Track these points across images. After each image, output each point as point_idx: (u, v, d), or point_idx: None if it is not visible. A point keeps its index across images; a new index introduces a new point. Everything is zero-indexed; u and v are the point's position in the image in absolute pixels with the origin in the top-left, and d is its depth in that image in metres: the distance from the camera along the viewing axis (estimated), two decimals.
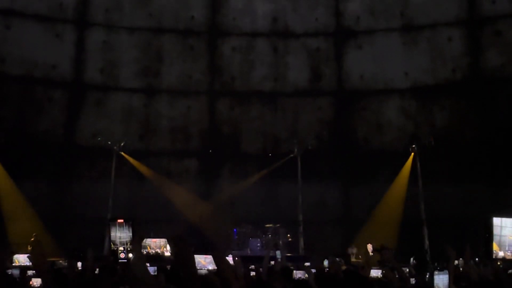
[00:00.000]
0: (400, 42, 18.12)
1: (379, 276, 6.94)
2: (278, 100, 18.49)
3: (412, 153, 15.92)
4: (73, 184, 16.86)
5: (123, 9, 18.30)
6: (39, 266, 3.67)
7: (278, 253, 12.31)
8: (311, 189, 16.64)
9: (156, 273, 6.76)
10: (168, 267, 7.63)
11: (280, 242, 14.93)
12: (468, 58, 17.43)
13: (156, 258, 12.46)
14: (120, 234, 12.97)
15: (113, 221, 13.17)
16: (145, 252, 12.62)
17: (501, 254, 11.25)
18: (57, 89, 17.52)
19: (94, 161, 17.00)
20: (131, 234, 12.80)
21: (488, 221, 11.38)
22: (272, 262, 7.33)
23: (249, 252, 14.58)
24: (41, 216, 15.07)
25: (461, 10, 17.64)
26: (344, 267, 6.45)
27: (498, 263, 10.45)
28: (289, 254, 14.10)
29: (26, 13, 17.18)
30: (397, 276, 4.87)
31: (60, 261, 11.35)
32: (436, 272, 4.39)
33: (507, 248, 11.27)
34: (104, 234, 14.73)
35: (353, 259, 14.02)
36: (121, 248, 12.85)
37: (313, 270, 5.24)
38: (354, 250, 14.77)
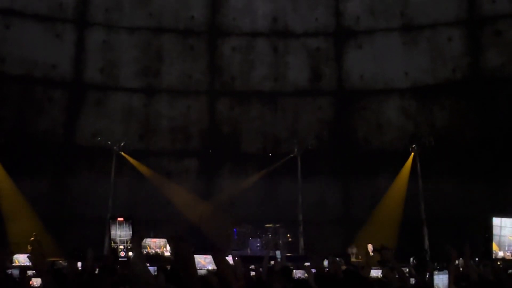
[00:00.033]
0: (400, 42, 18.12)
1: (379, 276, 6.94)
2: (278, 100, 18.48)
3: (412, 153, 15.91)
4: (73, 184, 16.85)
5: (123, 9, 18.30)
6: (39, 266, 3.67)
7: (278, 253, 12.31)
8: (311, 189, 16.64)
9: (156, 273, 6.75)
10: (168, 267, 7.62)
11: (280, 242, 14.92)
12: (468, 58, 17.43)
13: (156, 258, 12.46)
14: (120, 233, 12.99)
15: (113, 219, 13.19)
16: (145, 252, 12.62)
17: (500, 254, 11.27)
18: (57, 89, 17.51)
19: (94, 161, 16.99)
20: (131, 232, 12.81)
21: (487, 221, 11.40)
22: (272, 262, 7.33)
23: (249, 252, 14.58)
24: (41, 216, 15.07)
25: (461, 10, 17.64)
26: (344, 267, 6.45)
27: (498, 263, 10.46)
28: (289, 254, 14.09)
29: (26, 13, 17.17)
30: (396, 276, 4.87)
31: (60, 261, 11.34)
32: (435, 272, 4.40)
33: (506, 248, 11.28)
34: (104, 234, 14.74)
35: (353, 259, 14.02)
36: (121, 247, 12.87)
37: (313, 270, 5.24)
38: (354, 250, 14.77)
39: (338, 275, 5.01)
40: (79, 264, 6.34)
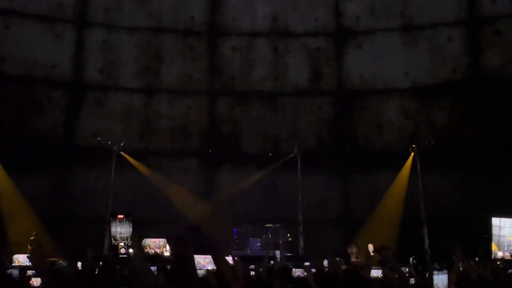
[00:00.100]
0: (400, 42, 18.11)
1: (379, 276, 6.93)
2: (278, 100, 18.48)
3: (412, 153, 15.91)
4: (73, 184, 16.85)
5: (123, 8, 18.30)
6: (38, 266, 3.67)
7: (277, 253, 12.32)
8: (311, 188, 16.64)
9: (156, 273, 6.75)
10: (168, 267, 7.63)
11: (280, 242, 14.92)
12: (468, 58, 17.43)
13: (156, 258, 12.46)
14: (121, 230, 13.00)
15: (113, 216, 13.19)
16: (144, 252, 12.61)
17: (500, 254, 11.26)
18: (57, 89, 17.51)
19: (94, 161, 16.98)
20: (131, 229, 12.83)
21: (487, 221, 11.39)
22: (272, 262, 7.33)
23: (249, 252, 14.58)
24: (41, 216, 15.06)
25: (461, 10, 17.64)
26: (344, 267, 6.45)
27: (498, 263, 10.46)
28: (289, 254, 14.09)
29: (26, 13, 17.17)
30: (396, 276, 4.87)
31: (60, 261, 11.35)
32: (435, 272, 4.40)
33: (506, 248, 11.28)
34: (104, 233, 14.75)
35: (353, 259, 14.02)
36: (122, 244, 12.88)
37: (313, 270, 5.23)
38: (354, 250, 14.77)
39: (338, 275, 5.01)
40: (79, 264, 6.35)
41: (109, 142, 15.90)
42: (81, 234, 14.70)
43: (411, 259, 11.96)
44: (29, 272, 6.80)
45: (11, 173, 15.41)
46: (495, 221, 11.32)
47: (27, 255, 10.09)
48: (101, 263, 5.64)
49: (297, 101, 18.38)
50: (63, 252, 13.20)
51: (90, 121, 17.52)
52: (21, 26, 17.08)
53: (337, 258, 9.70)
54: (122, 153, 16.16)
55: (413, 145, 15.88)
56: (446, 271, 4.34)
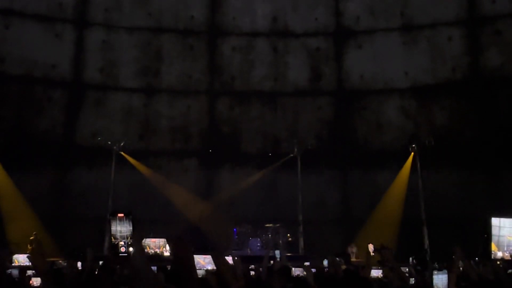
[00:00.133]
0: (400, 41, 18.11)
1: (379, 276, 6.93)
2: (278, 100, 18.48)
3: (412, 153, 15.91)
4: (73, 184, 16.85)
5: (123, 8, 18.30)
6: (38, 266, 3.67)
7: (277, 252, 12.32)
8: (311, 188, 16.64)
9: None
10: (169, 267, 7.62)
11: (280, 242, 14.92)
12: (468, 58, 17.43)
13: (156, 258, 12.45)
14: (121, 228, 13.00)
15: (113, 215, 13.19)
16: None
17: (499, 254, 11.24)
18: (57, 88, 17.51)
19: (94, 161, 16.98)
20: (131, 228, 12.82)
21: (486, 221, 11.37)
22: (272, 262, 7.33)
23: (249, 252, 14.58)
24: (41, 216, 15.06)
25: (461, 10, 17.64)
26: (344, 267, 6.45)
27: (498, 263, 10.44)
28: (289, 254, 14.09)
29: (26, 13, 17.17)
30: (396, 275, 4.86)
31: (60, 261, 11.34)
32: (435, 272, 4.38)
33: (505, 249, 11.26)
34: (104, 233, 14.75)
35: (353, 258, 14.01)
36: (122, 243, 12.87)
37: (313, 270, 5.23)
38: (354, 249, 14.76)
39: (338, 275, 5.01)
40: (79, 264, 6.34)
41: (109, 142, 15.90)
42: (81, 233, 14.69)
43: (410, 259, 11.95)
44: (29, 272, 6.79)
45: (11, 173, 15.41)
46: (494, 221, 11.29)
47: (27, 255, 10.10)
48: (100, 263, 5.64)
49: (297, 101, 18.38)
50: (63, 252, 13.18)
51: (90, 121, 17.52)
52: (21, 26, 17.08)
53: (337, 258, 9.69)
54: (122, 153, 16.16)
55: (413, 145, 15.88)
56: (446, 271, 4.33)
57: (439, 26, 17.75)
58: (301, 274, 7.46)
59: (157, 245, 13.18)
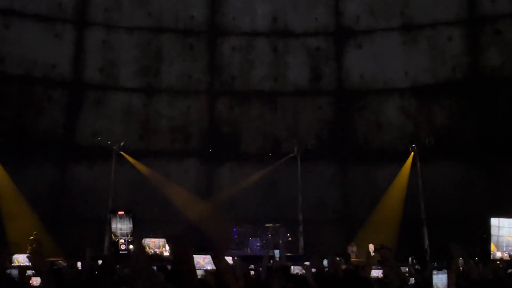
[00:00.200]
0: (400, 41, 18.11)
1: (379, 276, 6.93)
2: (278, 99, 18.48)
3: (412, 153, 15.91)
4: (73, 183, 16.85)
5: (123, 8, 18.30)
6: (38, 266, 3.66)
7: (276, 252, 12.31)
8: (311, 188, 16.63)
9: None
10: (169, 267, 7.62)
11: (280, 242, 14.92)
12: (468, 58, 17.42)
13: (156, 258, 12.45)
14: (121, 226, 13.00)
15: (113, 213, 13.18)
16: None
17: (498, 254, 11.23)
18: (57, 88, 17.51)
19: (94, 160, 16.99)
20: (131, 225, 12.82)
21: (486, 221, 11.36)
22: (271, 262, 7.32)
23: (249, 251, 14.58)
24: (41, 216, 15.06)
25: (461, 9, 17.63)
26: (344, 266, 6.44)
27: (497, 262, 10.44)
28: (289, 254, 14.09)
29: (26, 13, 17.17)
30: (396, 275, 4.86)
31: (60, 261, 11.34)
32: (435, 272, 4.37)
33: (504, 249, 11.25)
34: (104, 233, 14.75)
35: (353, 258, 14.03)
36: (122, 240, 12.87)
37: (313, 270, 5.22)
38: (354, 248, 14.79)
39: (338, 274, 5.00)
40: (79, 264, 6.33)
41: (109, 142, 15.92)
42: (81, 233, 14.68)
43: (410, 258, 11.95)
44: (29, 272, 6.78)
45: (11, 173, 15.40)
46: (494, 221, 11.28)
47: (27, 255, 10.08)
48: (100, 262, 5.63)
49: (297, 101, 18.38)
50: (63, 252, 13.18)
51: (90, 121, 17.52)
52: (21, 26, 17.08)
53: (337, 258, 9.69)
54: (122, 153, 16.18)
55: (413, 145, 15.89)
56: (446, 271, 4.32)
57: (439, 26, 17.75)
58: (300, 273, 7.46)
59: (156, 245, 13.18)
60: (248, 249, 14.75)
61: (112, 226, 13.07)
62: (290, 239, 15.66)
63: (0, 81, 16.75)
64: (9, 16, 17.01)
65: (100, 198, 15.78)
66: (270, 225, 15.36)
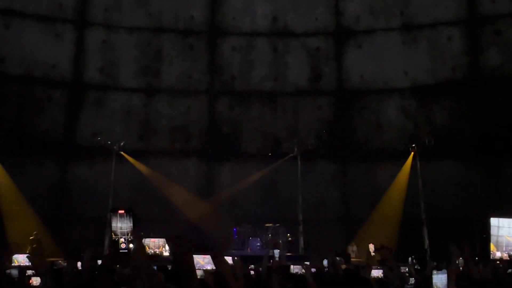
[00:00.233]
0: (400, 41, 18.12)
1: (379, 276, 6.93)
2: (278, 99, 18.48)
3: (412, 153, 15.91)
4: (73, 183, 16.85)
5: (123, 8, 18.30)
6: (38, 266, 3.67)
7: (276, 252, 12.30)
8: (311, 188, 16.63)
9: None
10: (169, 267, 7.62)
11: (280, 242, 14.92)
12: (468, 57, 17.43)
13: (155, 258, 12.45)
14: (121, 225, 12.99)
15: (114, 211, 13.18)
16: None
17: (498, 254, 11.21)
18: (57, 88, 17.52)
19: (94, 160, 16.99)
20: (132, 224, 12.81)
21: (486, 221, 11.34)
22: (271, 262, 7.32)
23: (249, 251, 14.58)
24: (41, 216, 15.07)
25: (461, 9, 17.64)
26: (344, 266, 6.45)
27: (497, 262, 10.43)
28: (289, 254, 14.09)
29: (26, 13, 17.18)
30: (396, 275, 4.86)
31: (60, 261, 11.34)
32: (434, 272, 4.37)
33: (504, 249, 11.23)
34: (104, 233, 14.76)
35: (353, 257, 14.03)
36: (122, 239, 12.86)
37: (313, 270, 5.23)
38: (354, 248, 14.79)
39: (338, 274, 5.00)
40: (79, 264, 6.33)
41: (109, 142, 15.92)
42: (81, 233, 14.69)
43: (410, 258, 11.95)
44: (29, 272, 6.78)
45: (11, 173, 15.40)
46: (493, 221, 11.26)
47: (27, 255, 10.10)
48: (99, 262, 5.64)
49: (297, 101, 18.38)
50: (63, 252, 13.19)
51: (90, 121, 17.52)
52: (21, 26, 17.09)
53: (337, 258, 9.70)
54: (122, 152, 16.18)
55: (413, 145, 15.89)
56: (445, 271, 4.32)
57: (439, 26, 17.76)
58: (299, 272, 7.47)
59: (156, 245, 13.17)
60: (248, 249, 14.75)
61: (112, 225, 13.06)
62: (290, 239, 15.65)
63: (0, 81, 16.76)
64: (9, 16, 17.01)
65: (100, 198, 15.78)
66: (270, 225, 15.36)
